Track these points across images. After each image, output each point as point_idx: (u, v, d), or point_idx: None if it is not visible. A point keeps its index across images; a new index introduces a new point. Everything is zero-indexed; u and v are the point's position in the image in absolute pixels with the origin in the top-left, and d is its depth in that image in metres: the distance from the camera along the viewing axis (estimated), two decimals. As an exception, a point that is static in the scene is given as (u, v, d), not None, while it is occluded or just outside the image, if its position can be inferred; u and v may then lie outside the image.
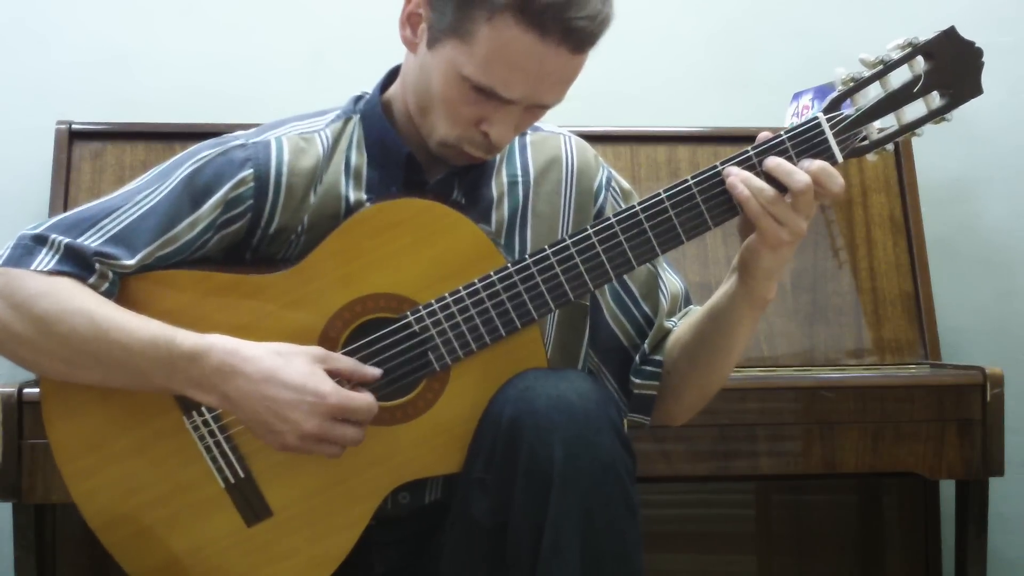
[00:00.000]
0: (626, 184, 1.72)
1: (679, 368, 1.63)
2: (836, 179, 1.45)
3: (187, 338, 1.45)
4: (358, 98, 1.65)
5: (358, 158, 1.60)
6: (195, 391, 1.46)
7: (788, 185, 1.45)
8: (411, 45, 1.55)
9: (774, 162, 1.46)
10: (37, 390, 1.90)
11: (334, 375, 1.46)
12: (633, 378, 1.66)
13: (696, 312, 1.65)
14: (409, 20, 1.54)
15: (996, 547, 2.45)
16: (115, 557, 1.54)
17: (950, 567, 2.34)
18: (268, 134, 1.59)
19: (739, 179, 1.45)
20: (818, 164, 1.45)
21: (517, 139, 1.67)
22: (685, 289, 1.72)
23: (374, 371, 1.49)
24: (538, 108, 1.53)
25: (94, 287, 1.49)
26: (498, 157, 1.64)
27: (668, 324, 1.67)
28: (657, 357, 1.65)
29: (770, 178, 1.46)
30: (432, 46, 1.50)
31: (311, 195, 1.57)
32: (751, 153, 1.48)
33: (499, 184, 1.63)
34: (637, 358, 1.66)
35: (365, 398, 1.46)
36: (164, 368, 1.45)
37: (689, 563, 2.54)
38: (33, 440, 1.96)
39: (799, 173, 1.44)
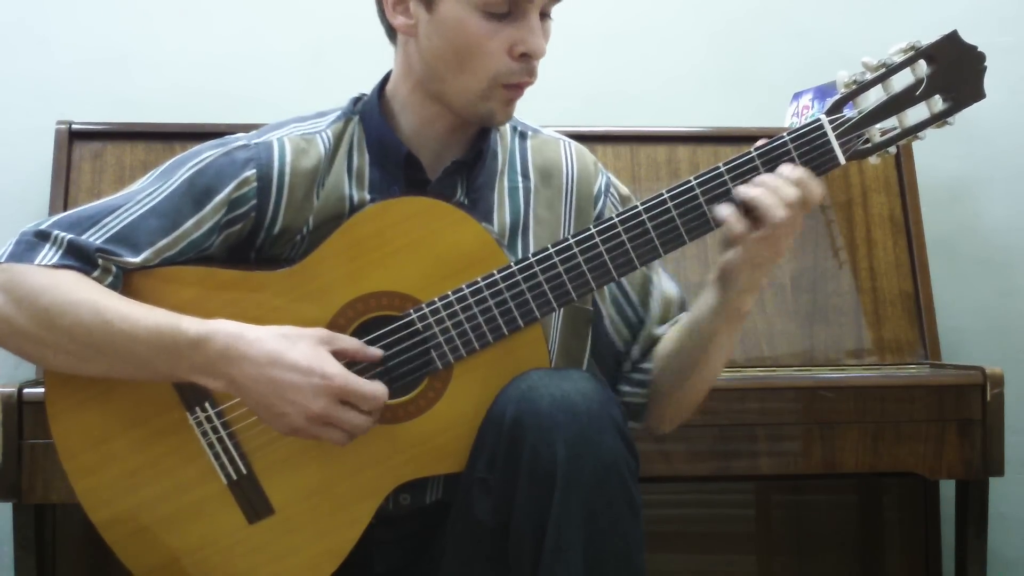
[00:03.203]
0: (625, 189, 1.72)
1: (664, 378, 1.64)
2: (814, 189, 1.46)
3: (192, 324, 1.45)
4: (357, 99, 1.65)
5: (360, 158, 1.60)
6: (200, 377, 1.46)
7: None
8: (408, 28, 1.56)
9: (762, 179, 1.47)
10: (37, 390, 1.91)
11: (339, 356, 1.46)
12: (622, 387, 1.66)
13: (680, 323, 1.65)
14: (396, 6, 1.55)
15: (996, 547, 2.45)
16: (117, 554, 1.54)
17: (950, 567, 2.34)
18: (270, 135, 1.59)
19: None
20: (798, 174, 1.46)
21: (518, 143, 1.67)
22: (681, 296, 1.71)
23: (376, 351, 1.49)
24: (546, 12, 1.54)
25: (98, 280, 1.50)
26: (500, 160, 1.64)
27: (658, 331, 1.67)
28: (646, 365, 1.65)
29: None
30: (431, 9, 1.51)
31: (314, 196, 1.57)
32: (754, 155, 1.48)
33: (501, 188, 1.63)
34: (627, 365, 1.66)
35: (374, 385, 1.46)
36: (169, 355, 1.45)
37: (689, 563, 2.53)
38: (33, 440, 1.95)
39: (787, 187, 1.45)
